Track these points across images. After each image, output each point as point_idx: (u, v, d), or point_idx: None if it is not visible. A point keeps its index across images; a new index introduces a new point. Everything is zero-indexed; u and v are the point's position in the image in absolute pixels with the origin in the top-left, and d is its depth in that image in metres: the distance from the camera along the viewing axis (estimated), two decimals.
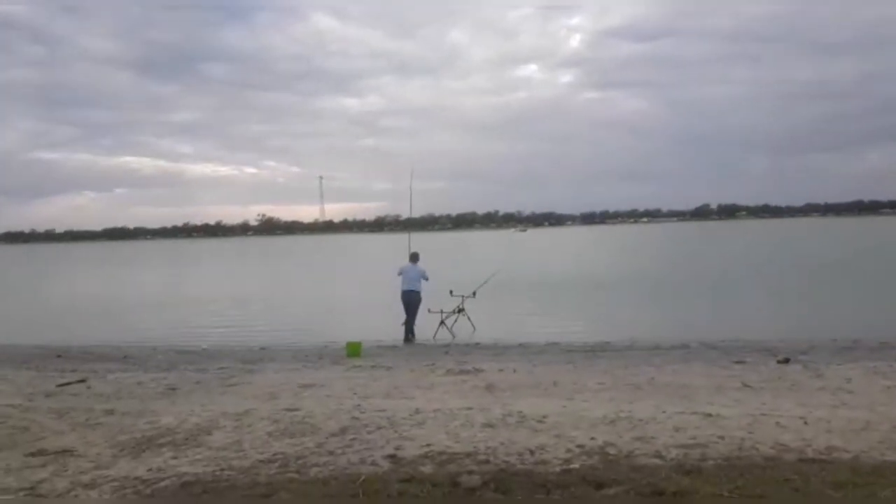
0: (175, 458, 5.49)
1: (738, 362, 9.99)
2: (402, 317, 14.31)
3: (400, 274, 14.50)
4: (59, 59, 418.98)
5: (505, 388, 8.13)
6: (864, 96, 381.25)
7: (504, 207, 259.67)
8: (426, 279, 14.40)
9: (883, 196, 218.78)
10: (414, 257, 14.60)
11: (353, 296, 25.83)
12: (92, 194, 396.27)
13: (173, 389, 8.76)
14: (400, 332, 14.18)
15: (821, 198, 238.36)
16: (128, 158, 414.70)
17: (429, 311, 14.63)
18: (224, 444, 5.86)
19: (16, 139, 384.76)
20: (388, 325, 15.27)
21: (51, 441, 6.19)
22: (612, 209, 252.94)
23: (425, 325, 14.48)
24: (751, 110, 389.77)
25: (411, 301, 14.19)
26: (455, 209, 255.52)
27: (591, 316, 18.15)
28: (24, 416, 7.23)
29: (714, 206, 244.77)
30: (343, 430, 6.15)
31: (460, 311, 15.04)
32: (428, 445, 5.54)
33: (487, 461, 5.08)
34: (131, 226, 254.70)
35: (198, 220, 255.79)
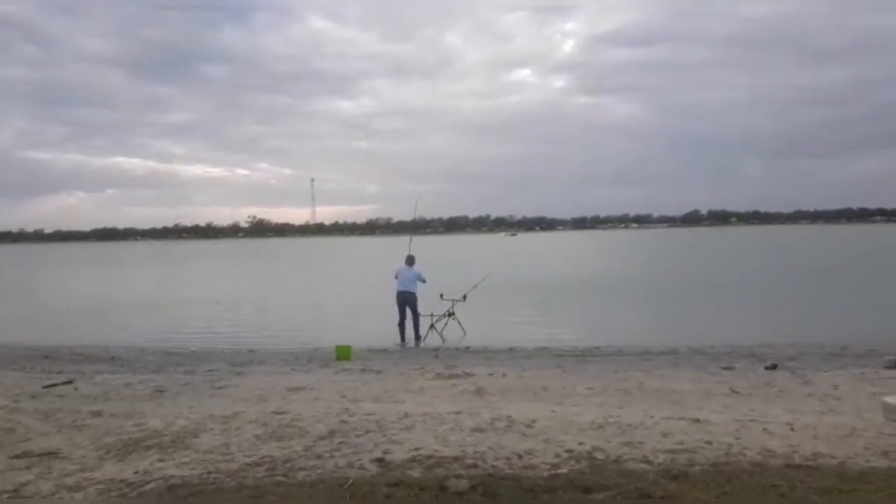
0: (161, 460, 5.45)
1: (726, 368, 10.04)
2: (396, 319, 14.45)
3: (396, 276, 14.61)
4: (54, 59, 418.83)
5: (494, 393, 8.13)
6: (859, 102, 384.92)
7: (496, 211, 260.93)
8: (423, 281, 14.57)
9: (872, 203, 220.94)
10: (410, 260, 14.73)
11: (343, 299, 25.79)
12: (82, 194, 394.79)
13: (161, 391, 8.72)
14: (394, 335, 14.26)
15: (810, 205, 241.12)
16: (120, 159, 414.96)
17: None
18: (211, 446, 5.82)
19: (8, 138, 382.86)
20: (378, 328, 15.27)
21: (36, 443, 6.14)
22: (603, 214, 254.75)
23: (408, 333, 14.50)
24: (744, 116, 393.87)
25: (407, 301, 14.35)
26: (447, 212, 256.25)
27: (581, 321, 18.20)
28: (10, 418, 7.16)
29: (704, 211, 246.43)
30: (331, 434, 6.13)
31: (450, 314, 15.05)
32: (416, 449, 5.53)
33: (475, 465, 5.08)
34: (121, 226, 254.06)
35: (188, 222, 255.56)
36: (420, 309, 14.58)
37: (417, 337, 14.38)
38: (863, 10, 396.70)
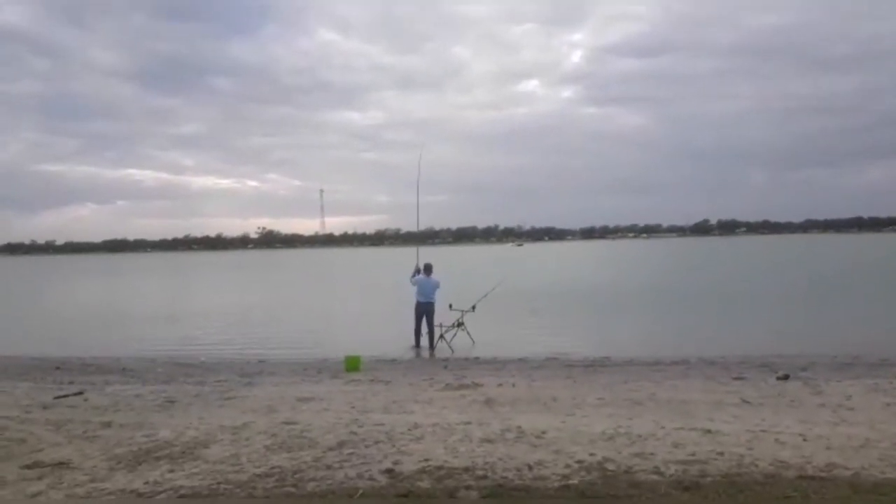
0: (172, 471, 5.47)
1: (737, 378, 9.97)
2: (407, 326, 14.71)
3: (414, 285, 14.71)
4: (64, 72, 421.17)
5: (504, 403, 8.10)
6: (863, 111, 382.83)
7: (504, 222, 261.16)
8: (438, 288, 14.77)
9: (883, 212, 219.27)
10: (428, 269, 14.79)
11: (351, 310, 25.81)
12: (94, 206, 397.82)
13: (171, 402, 8.74)
14: (404, 345, 14.43)
15: (820, 214, 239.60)
16: (130, 171, 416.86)
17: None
18: (221, 457, 5.83)
19: (20, 151, 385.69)
20: (387, 339, 15.28)
21: (47, 453, 6.17)
22: (612, 224, 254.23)
23: (423, 340, 14.56)
24: (750, 125, 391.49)
25: (426, 312, 14.55)
26: (456, 223, 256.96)
27: (591, 331, 18.12)
28: (21, 428, 7.20)
29: (714, 221, 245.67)
30: (341, 445, 6.13)
31: (459, 325, 15.02)
32: (426, 460, 5.52)
33: (485, 476, 5.06)
34: (131, 238, 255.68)
35: (198, 233, 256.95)
36: (435, 320, 14.71)
37: (431, 346, 14.43)
38: (865, 18, 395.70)
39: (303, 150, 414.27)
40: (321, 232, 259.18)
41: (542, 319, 20.48)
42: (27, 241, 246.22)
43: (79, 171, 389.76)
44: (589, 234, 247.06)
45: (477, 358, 13.18)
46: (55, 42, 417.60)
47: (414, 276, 14.86)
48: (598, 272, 45.98)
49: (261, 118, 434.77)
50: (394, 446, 6.00)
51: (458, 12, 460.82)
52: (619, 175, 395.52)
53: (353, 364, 11.70)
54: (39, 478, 5.40)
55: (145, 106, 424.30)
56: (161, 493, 4.92)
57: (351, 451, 5.91)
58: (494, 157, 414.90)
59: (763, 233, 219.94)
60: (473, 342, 14.71)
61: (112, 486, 5.11)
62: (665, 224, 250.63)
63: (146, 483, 5.16)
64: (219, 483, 5.08)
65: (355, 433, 6.56)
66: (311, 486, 4.98)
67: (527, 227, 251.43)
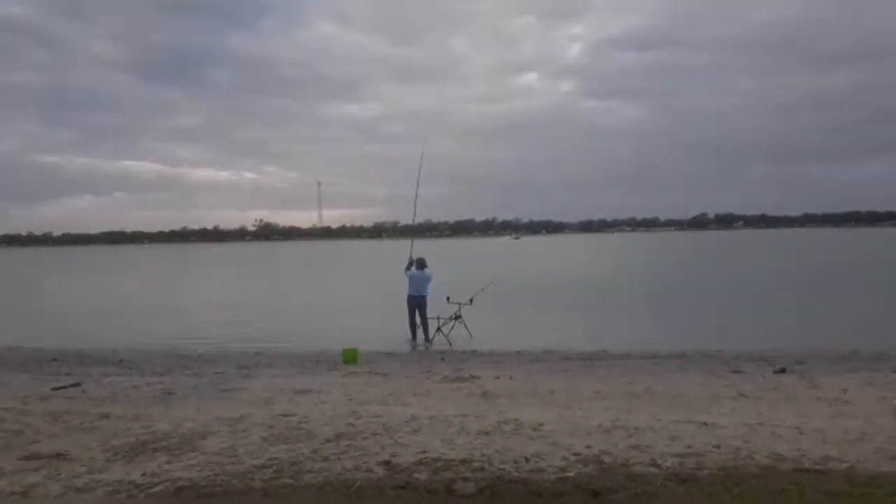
0: (169, 462, 5.47)
1: (734, 372, 10.00)
2: (404, 320, 14.83)
3: (408, 278, 14.81)
4: (63, 63, 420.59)
5: (501, 396, 8.12)
6: (863, 106, 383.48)
7: (503, 214, 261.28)
8: (430, 282, 14.87)
9: (881, 207, 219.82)
10: (421, 263, 14.83)
11: (349, 302, 25.81)
12: (91, 197, 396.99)
13: (169, 394, 8.74)
14: (401, 338, 14.50)
15: (818, 208, 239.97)
16: (128, 162, 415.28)
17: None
18: (219, 449, 5.83)
19: (18, 142, 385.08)
20: (384, 331, 15.29)
21: (45, 445, 6.17)
22: (609, 218, 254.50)
23: (419, 333, 14.60)
24: (749, 119, 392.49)
25: (418, 305, 14.66)
26: (454, 216, 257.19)
27: (589, 324, 18.13)
28: (19, 420, 7.19)
29: (711, 215, 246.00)
30: (338, 436, 6.13)
31: (457, 318, 15.04)
32: (423, 452, 5.52)
33: (483, 468, 5.07)
34: (129, 229, 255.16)
35: (195, 225, 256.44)
36: (433, 313, 14.82)
37: (427, 339, 14.48)
38: (864, 14, 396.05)
39: (301, 143, 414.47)
40: (319, 224, 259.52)
41: (539, 313, 20.50)
42: (24, 233, 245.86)
43: (77, 162, 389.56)
44: (587, 227, 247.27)
45: (474, 351, 13.20)
46: (54, 33, 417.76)
47: (408, 268, 14.89)
48: (595, 266, 46.00)
49: (259, 111, 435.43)
50: (391, 438, 6.01)
51: (458, 5, 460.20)
52: (617, 168, 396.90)
53: (350, 356, 11.70)
54: (37, 469, 5.39)
55: (144, 98, 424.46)
56: (158, 484, 4.92)
57: (348, 442, 5.91)
58: (493, 150, 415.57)
59: (760, 227, 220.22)
60: (471, 335, 14.73)
61: (109, 478, 5.11)
62: (663, 218, 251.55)
63: (143, 474, 5.16)
64: (216, 474, 5.08)
65: (353, 425, 6.56)
66: (308, 477, 4.98)
67: (525, 220, 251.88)
